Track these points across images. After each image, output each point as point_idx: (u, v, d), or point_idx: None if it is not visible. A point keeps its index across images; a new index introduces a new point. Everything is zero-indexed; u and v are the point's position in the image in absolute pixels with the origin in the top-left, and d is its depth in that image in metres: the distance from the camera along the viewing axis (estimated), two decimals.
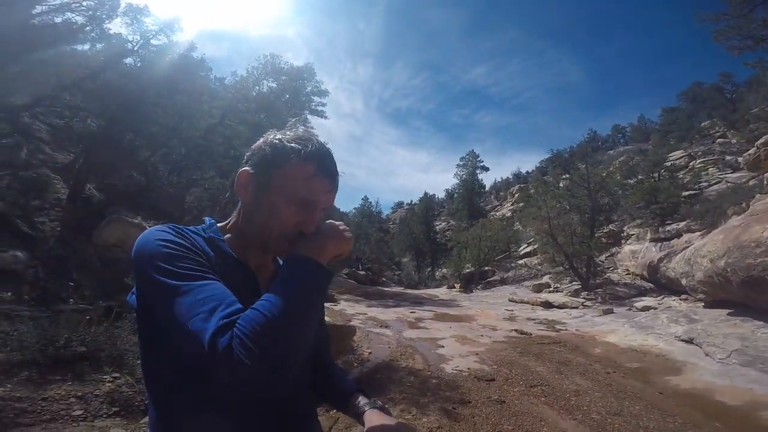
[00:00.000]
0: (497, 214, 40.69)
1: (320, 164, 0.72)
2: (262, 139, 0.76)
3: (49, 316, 4.38)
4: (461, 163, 46.94)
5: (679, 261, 10.00)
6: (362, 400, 0.83)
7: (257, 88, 14.44)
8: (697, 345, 6.13)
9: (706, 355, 5.63)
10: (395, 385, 4.30)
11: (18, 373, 3.21)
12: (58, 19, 6.56)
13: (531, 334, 7.73)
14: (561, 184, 16.76)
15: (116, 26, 8.03)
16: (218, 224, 0.81)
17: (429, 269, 35.60)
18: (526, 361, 5.51)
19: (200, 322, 0.57)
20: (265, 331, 0.56)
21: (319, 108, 19.21)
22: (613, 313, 9.87)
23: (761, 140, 10.39)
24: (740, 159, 18.42)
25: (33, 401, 2.87)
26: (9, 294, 5.54)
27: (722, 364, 5.20)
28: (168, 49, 9.25)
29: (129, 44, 8.48)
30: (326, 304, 9.89)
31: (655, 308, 9.54)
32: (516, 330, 8.11)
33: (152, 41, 8.90)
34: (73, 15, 6.29)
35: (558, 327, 8.76)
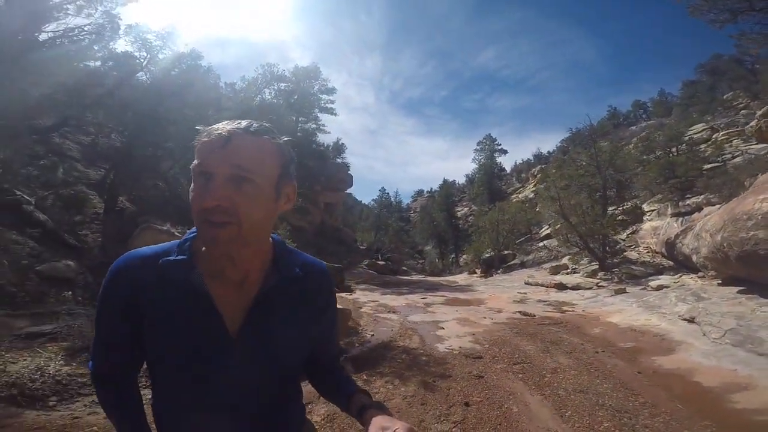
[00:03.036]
0: (520, 196, 40.10)
1: (213, 128, 0.68)
2: None
3: None
4: (478, 147, 46.65)
5: (691, 237, 9.82)
6: (363, 400, 0.84)
7: (259, 96, 15.07)
8: (697, 324, 6.04)
9: (704, 334, 5.56)
10: (387, 361, 4.80)
11: (80, 356, 4.00)
12: (65, 42, 7.11)
13: (534, 316, 8.00)
14: (578, 162, 16.52)
15: (122, 45, 8.76)
16: None
17: (452, 256, 35.80)
18: (518, 341, 5.85)
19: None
20: None
21: (329, 105, 19.80)
22: (625, 292, 9.85)
23: (761, 111, 9.95)
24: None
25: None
26: (69, 293, 6.45)
27: (715, 343, 5.15)
28: (175, 62, 9.91)
29: (137, 60, 9.20)
30: (341, 294, 10.52)
31: (669, 287, 9.42)
32: (520, 312, 8.40)
33: (159, 55, 9.56)
34: (78, 38, 6.91)
35: (565, 308, 8.93)
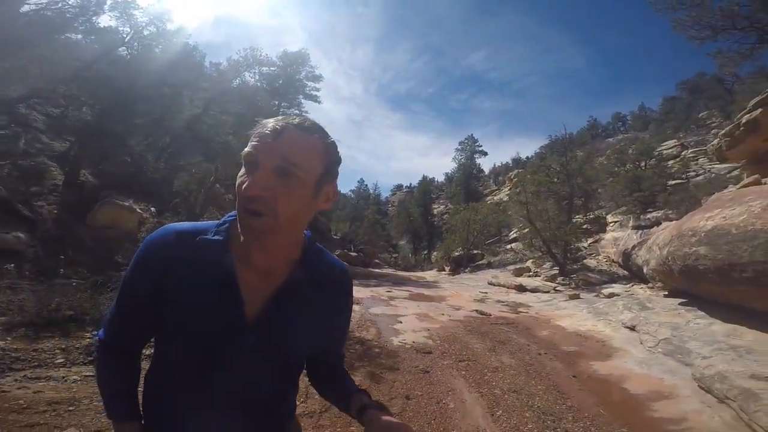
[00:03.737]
0: (495, 198, 40.92)
1: (267, 122, 0.71)
2: None
3: (45, 288, 5.07)
4: (460, 147, 47.25)
5: (644, 249, 10.35)
6: (363, 400, 0.84)
7: (238, 80, 14.79)
8: (637, 332, 6.29)
9: (641, 342, 5.79)
10: None
11: (17, 330, 3.95)
12: (48, 14, 6.82)
13: (490, 315, 8.27)
14: (551, 169, 17.07)
15: (105, 20, 8.43)
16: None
17: (425, 252, 36.28)
18: (468, 339, 6.10)
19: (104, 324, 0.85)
20: None
21: (313, 93, 19.58)
22: (579, 298, 10.21)
23: (723, 131, 10.54)
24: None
25: (26, 352, 3.62)
26: (12, 266, 6.23)
27: (649, 352, 5.37)
28: (160, 39, 9.60)
29: (120, 36, 8.87)
30: None
31: (620, 295, 9.82)
32: (477, 311, 8.68)
33: (144, 32, 9.25)
34: (61, 11, 6.63)
35: (521, 309, 9.23)
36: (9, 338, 3.81)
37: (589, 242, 16.41)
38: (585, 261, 14.20)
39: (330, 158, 0.74)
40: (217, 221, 0.80)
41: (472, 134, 50.50)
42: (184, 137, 9.77)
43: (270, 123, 0.70)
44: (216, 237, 0.76)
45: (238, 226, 0.71)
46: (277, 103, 19.83)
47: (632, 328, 6.56)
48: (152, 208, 9.76)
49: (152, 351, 0.84)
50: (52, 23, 6.48)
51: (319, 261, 0.84)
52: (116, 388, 0.86)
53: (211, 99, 10.32)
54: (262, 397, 0.81)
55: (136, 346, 0.86)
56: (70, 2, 6.46)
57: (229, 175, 10.84)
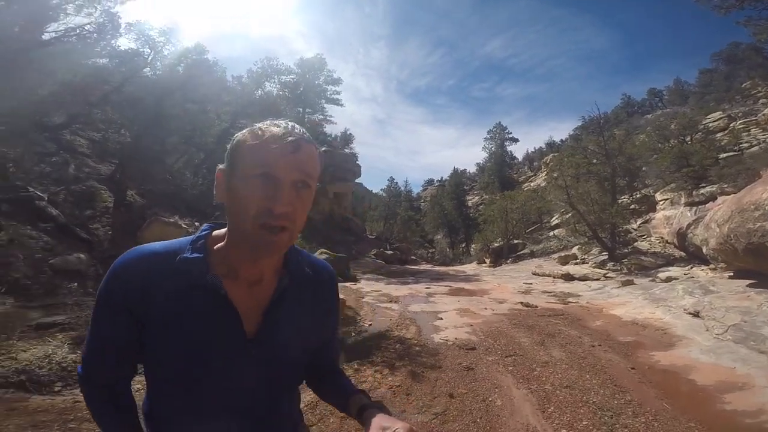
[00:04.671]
0: (531, 184, 39.55)
1: (275, 131, 0.67)
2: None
3: None
4: (488, 136, 46.09)
5: (702, 227, 9.55)
6: (363, 401, 0.83)
7: (260, 90, 15.16)
8: (701, 318, 5.86)
9: (706, 329, 5.40)
10: (380, 351, 4.88)
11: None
12: (70, 40, 7.18)
13: (536, 307, 7.97)
14: (588, 150, 16.23)
15: (125, 43, 8.87)
16: (216, 231, 0.78)
17: (463, 245, 35.72)
18: (514, 333, 5.87)
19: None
20: None
21: (335, 96, 19.78)
22: (633, 284, 9.66)
23: None
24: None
25: None
26: (76, 285, 6.74)
27: (717, 339, 4.99)
28: (180, 57, 10.03)
29: (142, 57, 9.33)
30: (345, 284, 10.66)
31: (678, 278, 9.16)
32: (522, 303, 8.37)
33: (163, 51, 9.67)
34: (80, 37, 7.01)
35: (569, 300, 8.85)
36: (79, 351, 4.11)
37: (638, 223, 15.43)
38: (636, 244, 13.34)
39: (322, 166, 0.74)
40: (191, 237, 0.76)
41: (500, 122, 49.45)
42: (217, 151, 10.17)
43: (278, 133, 0.67)
44: (195, 255, 0.72)
45: (251, 247, 0.68)
46: (301, 110, 20.25)
47: (696, 314, 6.10)
48: (196, 223, 10.25)
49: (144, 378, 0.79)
50: (76, 49, 6.88)
51: (300, 263, 0.83)
52: (115, 422, 0.82)
53: (236, 112, 10.68)
54: (271, 405, 0.81)
55: (122, 378, 0.82)
56: (87, 28, 6.81)
57: None
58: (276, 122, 0.70)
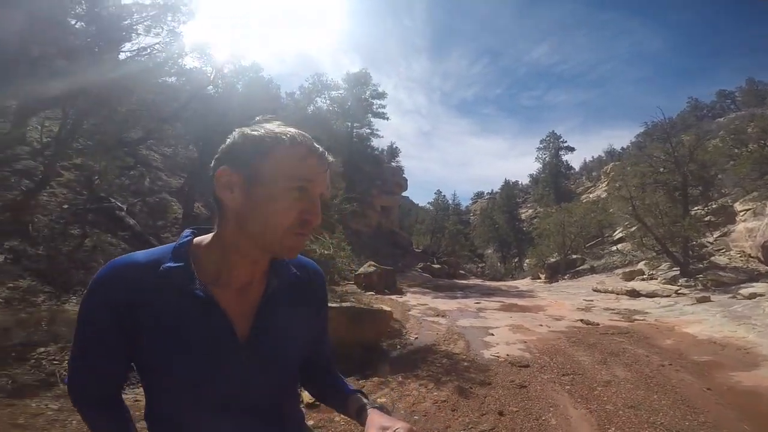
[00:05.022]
0: (590, 196, 37.21)
1: (309, 145, 0.68)
2: (231, 138, 0.70)
3: None
4: (542, 145, 44.22)
5: None
6: (361, 401, 0.83)
7: (312, 106, 15.82)
8: None
9: None
10: (426, 364, 4.75)
11: None
12: (142, 59, 7.90)
13: (598, 324, 7.42)
14: (654, 159, 14.96)
15: (189, 62, 9.62)
16: (199, 238, 0.77)
17: (515, 260, 34.29)
18: (573, 351, 5.47)
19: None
20: None
21: (380, 110, 20.21)
22: (709, 301, 8.90)
23: None
24: None
25: None
26: None
27: None
28: (239, 75, 10.76)
29: (205, 75, 10.14)
30: (391, 296, 10.62)
31: (764, 295, 8.32)
32: (582, 320, 7.82)
33: (224, 69, 10.42)
34: (151, 56, 7.74)
35: (636, 317, 8.21)
36: None
37: (715, 236, 13.90)
38: (713, 258, 12.06)
39: None
40: (172, 245, 0.74)
41: (553, 130, 47.10)
42: None
43: (311, 145, 0.69)
44: (178, 263, 0.71)
45: (280, 249, 0.69)
46: (349, 124, 20.84)
47: None
48: None
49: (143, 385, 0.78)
50: (147, 68, 7.57)
51: (288, 263, 0.82)
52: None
53: (292, 127, 11.20)
54: (270, 407, 0.80)
55: (112, 390, 0.80)
56: (156, 47, 7.51)
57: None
58: (292, 128, 0.70)
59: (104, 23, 6.35)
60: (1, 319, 3.70)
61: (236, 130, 0.71)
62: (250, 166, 0.66)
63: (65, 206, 7.20)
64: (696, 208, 14.23)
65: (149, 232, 9.23)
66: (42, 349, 3.52)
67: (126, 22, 6.69)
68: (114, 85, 6.06)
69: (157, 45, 7.28)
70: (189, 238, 0.75)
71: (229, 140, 0.70)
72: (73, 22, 6.50)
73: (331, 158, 0.72)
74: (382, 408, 0.80)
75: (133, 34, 7.05)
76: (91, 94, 5.85)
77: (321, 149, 0.70)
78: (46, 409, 2.78)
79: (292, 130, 0.69)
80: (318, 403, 3.18)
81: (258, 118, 0.73)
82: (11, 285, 4.57)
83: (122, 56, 7.40)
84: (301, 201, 0.66)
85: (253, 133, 0.68)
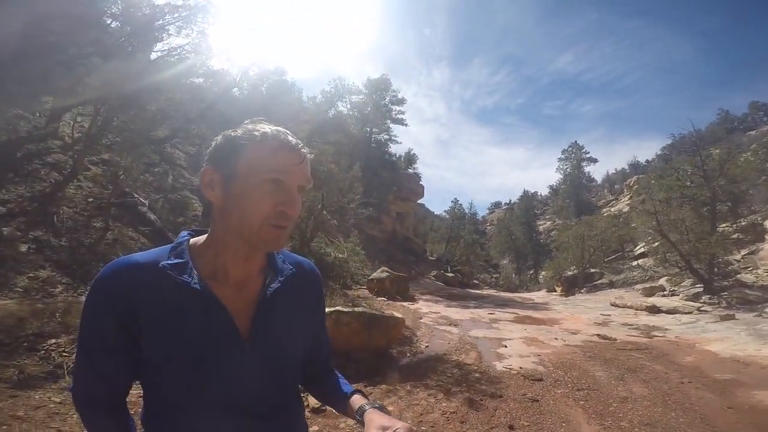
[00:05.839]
0: (612, 209, 36.29)
1: (282, 139, 0.70)
2: (215, 140, 0.73)
3: None
4: (563, 156, 43.45)
5: None
6: (362, 401, 0.83)
7: (332, 110, 15.96)
8: None
9: None
10: (436, 374, 4.67)
11: None
12: (173, 60, 8.09)
13: (615, 340, 7.22)
14: (681, 172, 14.51)
15: (216, 63, 9.83)
16: (195, 238, 0.79)
17: (531, 272, 33.66)
18: (588, 366, 5.31)
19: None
20: None
21: (399, 116, 20.28)
22: (733, 319, 8.66)
23: None
24: None
25: None
26: None
27: None
28: (263, 78, 10.97)
29: (231, 77, 10.36)
30: (403, 303, 10.53)
31: None
32: (598, 335, 7.61)
33: (249, 72, 10.61)
34: (181, 57, 7.95)
35: (655, 333, 7.98)
36: None
37: (742, 254, 13.36)
38: (739, 276, 11.59)
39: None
40: (170, 245, 0.76)
41: (576, 141, 46.27)
42: None
43: (287, 141, 0.70)
44: (178, 260, 0.72)
45: (260, 242, 0.70)
46: (368, 129, 20.93)
47: None
48: None
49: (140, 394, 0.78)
50: (177, 69, 7.75)
51: (284, 261, 0.84)
52: None
53: (312, 131, 11.33)
54: (273, 404, 0.79)
55: (117, 395, 0.79)
56: (186, 48, 7.70)
57: (333, 202, 11.57)
58: (271, 126, 0.72)
59: (139, 23, 6.56)
60: (16, 309, 3.72)
61: (222, 133, 0.74)
62: (228, 165, 0.69)
63: (90, 200, 7.43)
64: (724, 224, 13.72)
65: (169, 228, 9.44)
66: (53, 341, 3.53)
67: (159, 23, 6.90)
68: (145, 85, 6.24)
69: (187, 45, 7.48)
70: (186, 238, 0.77)
71: (213, 143, 0.73)
72: (108, 22, 6.75)
73: (306, 150, 0.72)
74: (381, 408, 0.80)
75: (165, 35, 7.26)
76: (122, 92, 6.04)
77: (294, 142, 0.71)
78: (48, 402, 2.77)
79: (269, 127, 0.71)
80: (324, 408, 3.22)
81: (246, 121, 0.75)
82: (31, 275, 4.65)
83: (153, 56, 7.62)
84: (275, 193, 0.68)
85: (232, 133, 0.71)
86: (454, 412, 3.53)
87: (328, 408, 3.09)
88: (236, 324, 0.72)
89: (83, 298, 4.78)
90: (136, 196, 8.60)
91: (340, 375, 0.97)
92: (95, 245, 6.30)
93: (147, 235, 8.23)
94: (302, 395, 0.90)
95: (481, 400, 3.88)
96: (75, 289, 4.91)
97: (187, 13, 7.13)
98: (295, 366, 0.84)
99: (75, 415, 2.59)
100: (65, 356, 3.37)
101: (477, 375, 4.77)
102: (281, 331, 0.78)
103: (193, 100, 9.65)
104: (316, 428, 3.04)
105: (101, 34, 6.57)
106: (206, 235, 0.77)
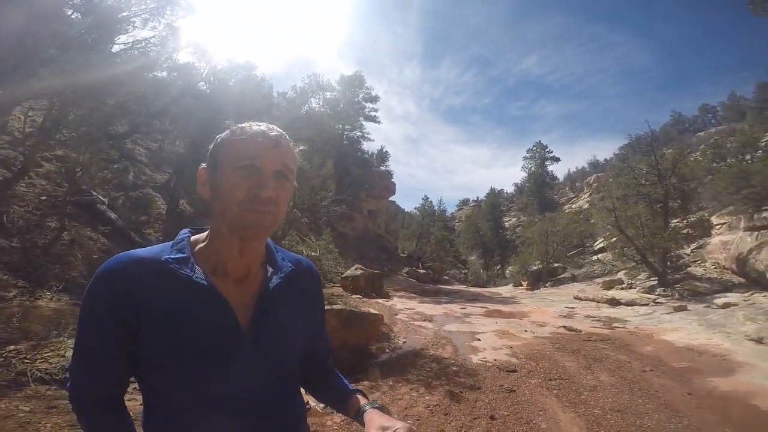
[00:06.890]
0: (573, 206, 38.05)
1: (256, 129, 0.73)
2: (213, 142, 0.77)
3: None
4: (528, 155, 45.02)
5: (765, 252, 8.88)
6: (361, 401, 0.84)
7: (305, 106, 15.74)
8: (765, 345, 5.71)
9: None
10: (416, 369, 4.76)
11: None
12: (136, 53, 7.65)
13: (580, 331, 7.58)
14: (637, 171, 15.47)
15: (183, 57, 9.37)
16: (195, 236, 0.80)
17: (498, 267, 34.71)
18: (558, 356, 5.57)
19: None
20: None
21: (372, 114, 20.32)
22: (686, 310, 9.23)
23: None
24: None
25: None
26: None
27: None
28: (232, 72, 10.58)
29: (198, 71, 9.92)
30: (378, 300, 10.58)
31: (738, 305, 8.68)
32: (565, 327, 7.97)
33: (217, 66, 10.21)
34: (145, 50, 7.53)
35: (616, 324, 8.42)
36: None
37: (691, 248, 14.44)
38: (689, 269, 12.50)
39: (299, 162, 0.80)
40: (171, 242, 0.77)
41: (540, 140, 47.99)
42: None
43: (262, 130, 0.73)
44: (179, 255, 0.73)
45: (240, 226, 0.71)
46: (341, 126, 20.79)
47: (759, 341, 5.98)
48: None
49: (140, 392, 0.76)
50: (140, 62, 7.31)
51: (283, 258, 0.86)
52: None
53: (284, 127, 11.00)
54: (271, 402, 0.79)
55: (116, 392, 0.78)
56: (151, 41, 7.32)
57: (305, 199, 11.39)
58: (256, 123, 0.75)
59: (101, 15, 6.16)
60: None
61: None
62: (214, 161, 0.74)
63: (44, 198, 6.92)
64: (675, 220, 14.74)
65: (131, 227, 8.96)
66: (12, 348, 3.33)
67: (123, 14, 6.51)
68: (104, 78, 5.87)
69: (153, 39, 7.10)
70: (187, 235, 0.79)
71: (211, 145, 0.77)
72: (69, 13, 6.29)
73: (276, 132, 0.74)
74: (381, 408, 0.80)
75: (130, 27, 6.86)
76: (79, 85, 5.65)
77: (266, 128, 0.74)
78: (16, 411, 2.61)
79: (255, 124, 0.75)
80: (309, 405, 3.21)
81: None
82: None
83: (116, 48, 7.18)
84: (249, 177, 0.70)
85: (222, 134, 0.76)
86: (437, 405, 3.62)
87: (313, 406, 3.07)
88: (237, 317, 0.73)
89: (41, 303, 4.44)
90: (94, 193, 8.09)
91: (340, 375, 0.97)
92: (50, 246, 5.87)
93: (107, 234, 7.77)
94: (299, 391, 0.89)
95: (461, 393, 3.99)
96: (31, 293, 4.57)
97: (156, 5, 6.77)
98: (294, 362, 0.84)
99: (49, 424, 2.45)
100: (27, 363, 3.15)
101: (455, 368, 4.88)
102: (281, 325, 0.79)
103: (156, 95, 9.17)
104: None
105: (61, 26, 6.11)
106: (206, 233, 0.79)
